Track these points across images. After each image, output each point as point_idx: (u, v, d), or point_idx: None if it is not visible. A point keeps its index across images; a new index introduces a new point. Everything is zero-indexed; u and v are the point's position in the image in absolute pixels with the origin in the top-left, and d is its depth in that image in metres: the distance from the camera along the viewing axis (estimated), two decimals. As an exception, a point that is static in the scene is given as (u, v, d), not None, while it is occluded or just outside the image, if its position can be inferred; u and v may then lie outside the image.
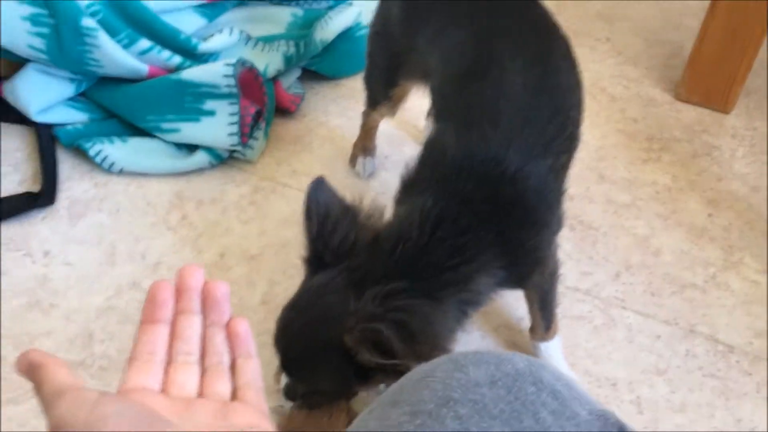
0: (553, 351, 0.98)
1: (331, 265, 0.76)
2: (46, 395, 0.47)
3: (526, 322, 1.05)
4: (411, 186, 0.80)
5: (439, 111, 0.88)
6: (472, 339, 1.02)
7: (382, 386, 0.84)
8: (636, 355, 1.02)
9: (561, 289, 1.09)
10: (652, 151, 1.37)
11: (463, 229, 0.73)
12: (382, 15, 1.07)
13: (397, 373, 0.74)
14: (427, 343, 0.72)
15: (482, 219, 0.74)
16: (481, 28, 0.87)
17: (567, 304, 1.08)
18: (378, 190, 1.24)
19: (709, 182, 1.31)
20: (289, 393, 0.83)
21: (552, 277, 0.92)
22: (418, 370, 0.61)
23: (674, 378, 1.00)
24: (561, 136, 0.80)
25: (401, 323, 0.69)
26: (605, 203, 1.25)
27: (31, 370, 0.50)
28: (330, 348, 0.73)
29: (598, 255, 1.16)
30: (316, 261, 0.78)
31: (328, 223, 0.76)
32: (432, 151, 0.80)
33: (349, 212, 0.78)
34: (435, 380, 0.57)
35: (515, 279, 0.81)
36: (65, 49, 1.17)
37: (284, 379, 0.83)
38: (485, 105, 0.78)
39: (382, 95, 1.12)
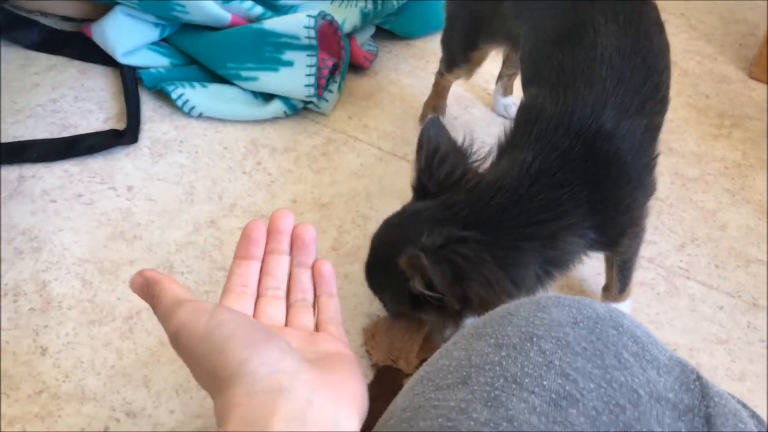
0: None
1: (431, 196, 0.80)
2: (164, 307, 0.52)
3: (589, 283, 1.06)
4: (509, 144, 0.82)
5: (531, 77, 0.89)
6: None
7: (447, 332, 0.87)
8: (698, 323, 1.03)
9: (625, 255, 1.11)
10: (723, 127, 1.36)
11: (559, 183, 0.74)
12: None
13: (444, 310, 0.77)
14: (492, 292, 0.73)
15: (578, 176, 0.75)
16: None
17: (630, 270, 1.09)
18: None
19: (780, 161, 1.30)
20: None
21: (638, 241, 0.93)
22: (500, 309, 0.63)
23: (735, 348, 1.01)
24: (655, 98, 0.80)
25: (454, 265, 0.72)
26: (673, 176, 1.25)
27: (146, 285, 0.55)
28: (392, 267, 0.76)
29: (663, 226, 1.17)
30: (420, 190, 0.82)
31: (437, 157, 0.80)
32: (528, 112, 0.81)
33: (458, 152, 0.82)
34: (518, 318, 0.59)
35: (606, 241, 0.82)
36: (154, -6, 1.21)
37: None
38: (580, 67, 0.78)
39: (462, 57, 1.14)
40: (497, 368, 0.55)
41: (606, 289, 1.01)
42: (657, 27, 0.87)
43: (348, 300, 1.02)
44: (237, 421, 0.43)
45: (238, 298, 0.59)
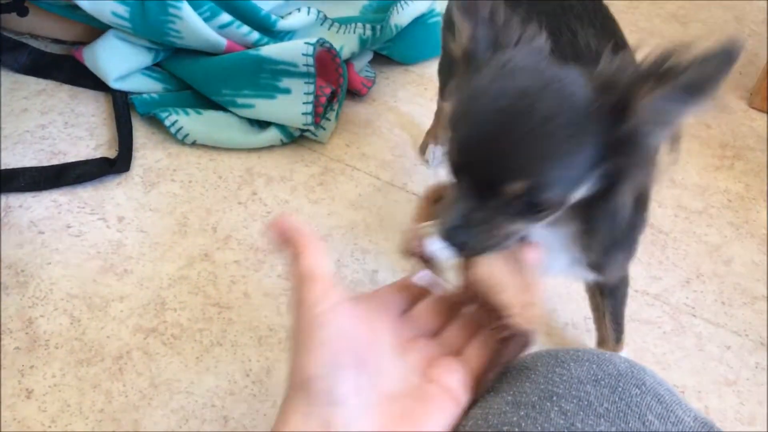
0: None
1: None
2: (298, 273, 0.48)
3: (578, 332, 1.04)
4: None
5: None
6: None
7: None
8: (705, 364, 1.01)
9: (630, 291, 1.08)
10: (725, 158, 1.34)
11: None
12: None
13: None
14: None
15: None
16: (555, 13, 0.85)
17: (636, 307, 1.07)
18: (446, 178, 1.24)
19: (783, 194, 1.28)
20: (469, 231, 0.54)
21: (624, 283, 0.90)
22: (517, 364, 0.60)
23: (743, 390, 0.98)
24: None
25: None
26: (676, 208, 1.23)
27: (286, 241, 0.49)
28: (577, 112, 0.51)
29: (667, 260, 1.14)
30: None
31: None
32: None
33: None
34: (536, 373, 0.56)
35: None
36: (148, 19, 1.18)
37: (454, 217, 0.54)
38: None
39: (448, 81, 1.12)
40: (516, 430, 0.52)
41: (601, 343, 0.96)
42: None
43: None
44: (285, 426, 0.44)
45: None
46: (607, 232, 0.64)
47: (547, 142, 0.51)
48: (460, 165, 0.54)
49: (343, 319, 0.47)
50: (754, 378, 1.00)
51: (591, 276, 0.78)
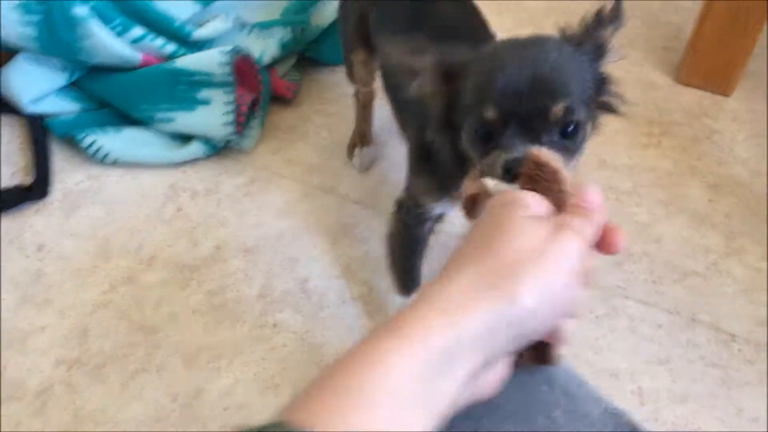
0: None
1: None
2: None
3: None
4: None
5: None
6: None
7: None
8: (638, 344, 1.02)
9: (561, 278, 1.09)
10: (652, 135, 1.35)
11: None
12: None
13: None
14: None
15: None
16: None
17: (568, 293, 1.07)
18: (377, 180, 1.23)
19: (710, 167, 1.29)
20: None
21: None
22: None
23: (676, 368, 0.99)
24: None
25: None
26: (607, 190, 1.24)
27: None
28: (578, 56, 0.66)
29: (598, 243, 1.15)
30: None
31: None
32: None
33: None
34: None
35: None
36: (57, 38, 1.15)
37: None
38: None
39: (348, 61, 1.15)
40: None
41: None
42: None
43: (278, 351, 0.97)
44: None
45: None
46: None
47: (566, 74, 0.63)
48: (506, 110, 0.61)
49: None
50: (686, 355, 1.01)
51: None
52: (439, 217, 0.91)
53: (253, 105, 1.24)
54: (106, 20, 1.16)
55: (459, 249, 0.42)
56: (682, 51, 1.49)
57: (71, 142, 1.21)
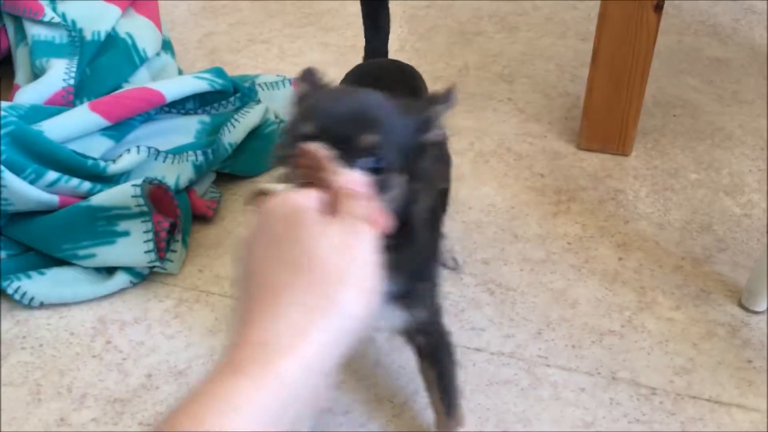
0: None
1: None
2: None
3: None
4: None
5: None
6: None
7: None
8: (563, 411, 1.05)
9: (486, 356, 1.13)
10: (561, 203, 1.42)
11: None
12: None
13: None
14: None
15: None
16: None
17: (493, 369, 1.11)
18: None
19: (617, 226, 1.36)
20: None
21: (446, 346, 0.93)
22: None
23: (601, 429, 1.02)
24: None
25: None
26: (521, 262, 1.29)
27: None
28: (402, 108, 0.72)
29: (518, 316, 1.19)
30: None
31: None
32: None
33: None
34: None
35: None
36: (-28, 194, 1.19)
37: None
38: None
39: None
40: None
41: (438, 424, 0.98)
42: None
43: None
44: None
45: None
46: (408, 257, 0.78)
47: (384, 119, 0.70)
48: (321, 128, 0.66)
49: None
50: (610, 414, 1.04)
51: (404, 317, 0.85)
52: None
53: (172, 229, 1.28)
54: (18, 170, 1.20)
55: (268, 273, 0.41)
56: (581, 119, 1.59)
57: (-2, 291, 1.24)
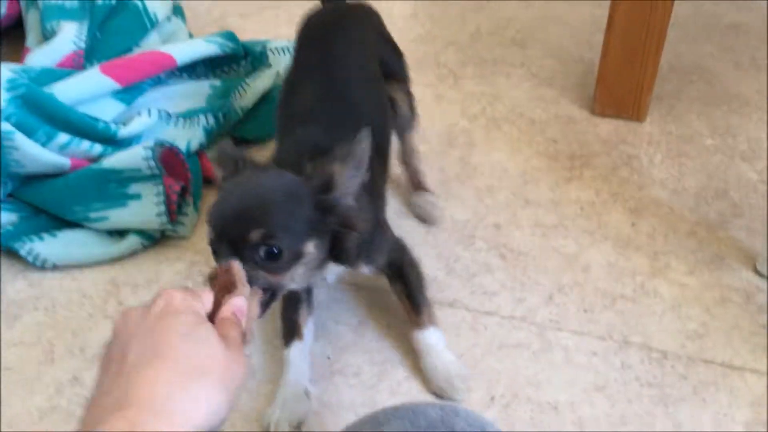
0: (434, 340, 1.04)
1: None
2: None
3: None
4: None
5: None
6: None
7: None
8: (575, 375, 1.04)
9: (497, 319, 1.13)
10: (574, 169, 1.41)
11: None
12: None
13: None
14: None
15: None
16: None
17: (504, 333, 1.10)
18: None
19: (631, 192, 1.35)
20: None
21: (411, 267, 1.06)
22: (345, 429, 0.65)
23: (613, 392, 1.02)
24: None
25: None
26: (533, 227, 1.28)
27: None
28: (298, 196, 0.82)
29: (529, 280, 1.19)
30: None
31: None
32: None
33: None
34: None
35: None
36: (-15, 156, 1.19)
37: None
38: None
39: None
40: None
41: (412, 323, 1.05)
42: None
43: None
44: None
45: None
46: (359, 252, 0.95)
47: (271, 207, 0.80)
48: (218, 233, 0.79)
49: None
50: (621, 378, 1.04)
51: (369, 268, 1.01)
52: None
53: (183, 192, 1.28)
54: (30, 132, 1.20)
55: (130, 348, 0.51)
56: (594, 85, 1.56)
57: (10, 252, 1.24)
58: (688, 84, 1.63)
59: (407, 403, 0.66)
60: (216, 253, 0.80)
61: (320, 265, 0.88)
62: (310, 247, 0.83)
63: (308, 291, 1.07)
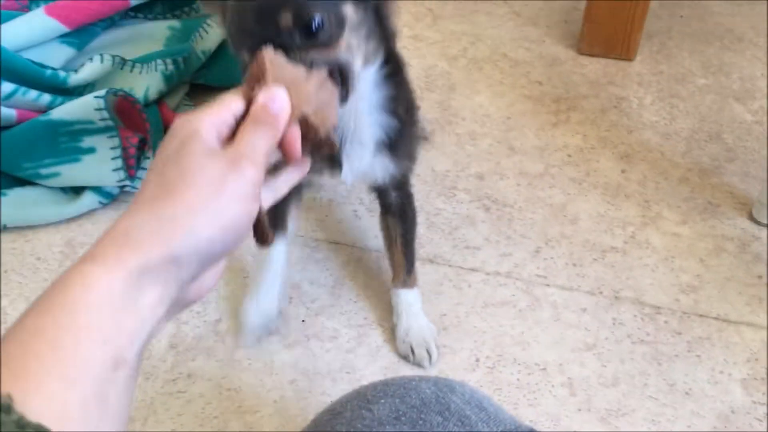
0: (414, 300, 0.99)
1: None
2: None
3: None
4: None
5: None
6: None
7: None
8: (563, 333, 0.99)
9: (481, 276, 1.06)
10: (560, 112, 1.33)
11: None
12: None
13: None
14: None
15: None
16: None
17: (489, 290, 1.04)
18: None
19: (620, 136, 1.27)
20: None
21: (411, 206, 0.98)
22: (330, 407, 0.59)
23: (603, 351, 0.97)
24: None
25: None
26: (518, 176, 1.21)
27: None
28: None
29: (515, 233, 1.12)
30: None
31: None
32: None
33: None
34: (343, 419, 0.55)
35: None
36: None
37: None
38: None
39: None
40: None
41: (394, 276, 1.00)
42: None
43: (194, 403, 0.93)
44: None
45: None
46: (398, 93, 0.85)
47: None
48: (256, 20, 0.67)
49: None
50: (612, 336, 0.99)
51: (392, 167, 0.89)
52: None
53: (142, 145, 1.19)
54: (-31, 81, 1.10)
55: (146, 184, 0.45)
56: (581, 22, 1.47)
57: (-44, 214, 1.15)
58: (679, 19, 1.54)
59: (397, 378, 0.60)
60: (248, 46, 0.68)
61: (371, 38, 0.76)
62: (350, 11, 0.71)
63: (298, 188, 0.96)
